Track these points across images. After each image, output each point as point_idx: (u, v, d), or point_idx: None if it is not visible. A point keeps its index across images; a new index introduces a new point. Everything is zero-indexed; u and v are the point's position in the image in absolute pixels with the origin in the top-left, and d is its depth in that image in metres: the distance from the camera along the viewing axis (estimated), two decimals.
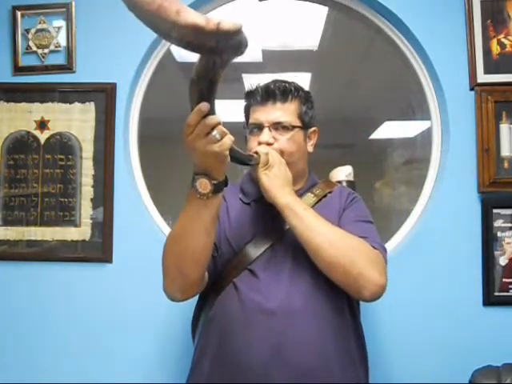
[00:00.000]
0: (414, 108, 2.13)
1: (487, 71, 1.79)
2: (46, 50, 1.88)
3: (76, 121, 1.87)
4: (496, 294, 1.75)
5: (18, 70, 1.88)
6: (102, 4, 1.87)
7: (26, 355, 1.80)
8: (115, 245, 1.83)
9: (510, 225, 1.77)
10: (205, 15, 0.80)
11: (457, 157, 1.80)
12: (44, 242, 1.85)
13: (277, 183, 1.24)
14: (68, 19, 1.87)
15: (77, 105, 1.87)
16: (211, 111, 0.95)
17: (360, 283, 1.18)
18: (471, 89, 1.79)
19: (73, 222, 1.85)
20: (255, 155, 1.25)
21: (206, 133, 0.96)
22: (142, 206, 1.88)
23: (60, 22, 1.87)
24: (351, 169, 1.81)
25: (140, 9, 0.76)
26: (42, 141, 1.87)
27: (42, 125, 1.87)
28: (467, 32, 1.80)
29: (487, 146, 1.76)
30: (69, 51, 1.86)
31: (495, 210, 1.76)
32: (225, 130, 0.99)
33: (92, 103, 1.86)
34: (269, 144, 1.29)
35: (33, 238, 1.85)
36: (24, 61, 1.88)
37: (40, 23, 1.87)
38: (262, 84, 1.36)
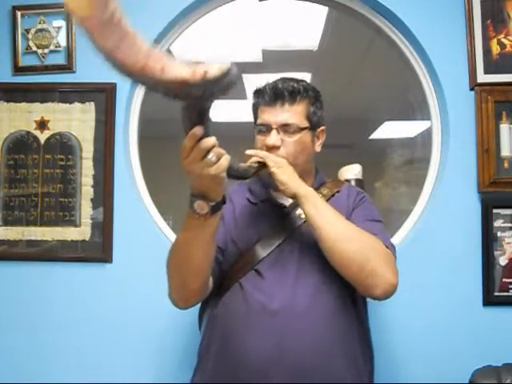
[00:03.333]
0: (414, 108, 2.13)
1: (487, 71, 1.79)
2: (46, 50, 1.88)
3: (76, 121, 1.86)
4: (496, 294, 1.75)
5: (17, 69, 1.88)
6: None
7: (25, 355, 1.80)
8: (115, 245, 1.83)
9: (509, 225, 1.77)
10: (191, 64, 0.79)
11: (457, 157, 1.80)
12: (44, 242, 1.85)
13: (294, 177, 1.25)
14: (68, 19, 1.86)
15: (77, 105, 1.87)
16: (206, 134, 0.95)
17: (373, 280, 1.18)
18: (471, 89, 1.79)
19: (73, 222, 1.85)
20: (254, 165, 1.25)
21: (202, 156, 0.96)
22: (142, 206, 1.88)
23: (60, 22, 1.87)
24: (360, 167, 1.79)
25: (124, 69, 0.76)
26: (42, 141, 1.87)
27: (42, 125, 1.87)
28: (467, 32, 1.80)
29: (487, 146, 1.76)
30: (69, 51, 1.86)
31: (495, 210, 1.76)
32: (221, 151, 0.99)
33: (92, 103, 1.86)
34: (275, 147, 1.29)
35: (33, 238, 1.85)
36: (24, 61, 1.88)
37: (40, 23, 1.87)
38: (270, 83, 1.34)
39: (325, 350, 1.20)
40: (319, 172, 1.45)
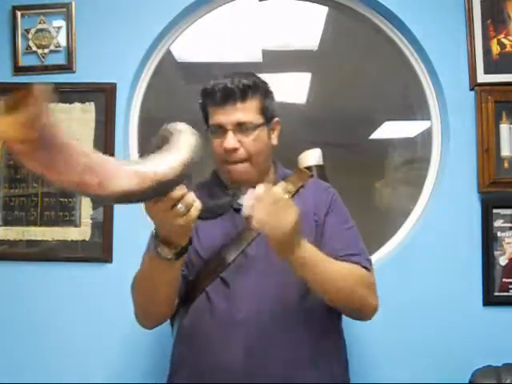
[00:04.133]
0: (414, 108, 2.13)
1: (487, 71, 1.79)
2: (46, 50, 1.88)
3: (76, 121, 1.86)
4: (496, 294, 1.75)
5: (17, 70, 1.88)
6: (102, 4, 1.87)
7: (25, 355, 1.80)
8: (115, 245, 1.83)
9: (509, 225, 1.77)
10: (141, 169, 0.73)
11: (457, 157, 1.80)
12: (44, 242, 1.84)
13: (286, 249, 1.08)
14: (68, 19, 1.86)
15: (77, 105, 1.87)
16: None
17: (361, 313, 1.25)
18: (471, 89, 1.79)
19: (73, 222, 1.85)
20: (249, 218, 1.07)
21: (171, 206, 0.92)
22: (142, 206, 1.87)
23: (60, 22, 1.87)
24: (319, 151, 1.68)
25: (59, 186, 0.70)
26: None
27: None
28: (467, 32, 1.80)
29: (487, 146, 1.76)
30: (69, 51, 1.86)
31: (495, 210, 1.76)
32: (191, 199, 0.94)
33: (92, 103, 1.86)
34: (235, 149, 1.24)
35: (33, 238, 1.85)
36: (24, 61, 1.88)
37: (40, 23, 1.87)
38: (218, 81, 1.26)
39: (293, 353, 1.20)
40: (278, 165, 1.39)
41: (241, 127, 1.25)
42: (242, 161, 1.26)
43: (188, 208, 0.93)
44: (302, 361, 1.20)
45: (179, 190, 0.91)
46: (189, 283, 1.28)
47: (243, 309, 1.20)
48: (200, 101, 1.32)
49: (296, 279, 1.18)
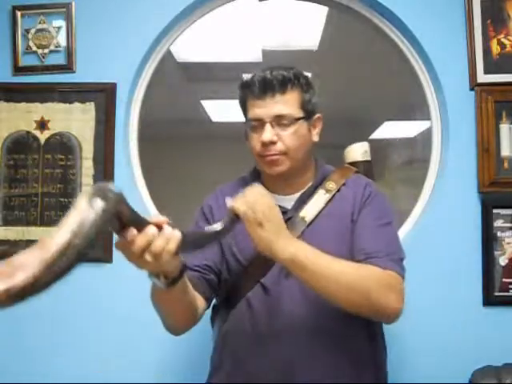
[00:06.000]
0: (414, 108, 2.13)
1: (487, 71, 1.78)
2: (46, 50, 1.88)
3: (76, 121, 1.86)
4: (496, 294, 1.74)
5: (17, 70, 1.88)
6: (101, 4, 1.87)
7: (25, 355, 1.80)
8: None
9: (509, 225, 1.77)
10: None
11: (457, 157, 1.80)
12: None
13: (272, 238, 1.07)
14: (68, 19, 1.86)
15: (77, 105, 1.87)
16: (141, 225, 0.84)
17: (377, 314, 1.17)
18: (471, 89, 1.79)
19: None
20: (233, 216, 1.07)
21: (138, 256, 0.85)
22: (142, 206, 1.88)
23: (60, 22, 1.87)
24: (367, 145, 1.58)
25: None
26: (42, 141, 1.87)
27: (42, 125, 1.87)
28: (467, 32, 1.80)
29: (487, 146, 1.76)
30: (69, 51, 1.86)
31: (495, 210, 1.76)
32: (160, 245, 0.85)
33: (92, 103, 1.86)
34: (272, 142, 1.20)
35: (33, 238, 1.85)
36: (24, 61, 1.88)
37: (40, 23, 1.87)
38: (258, 74, 1.24)
39: (333, 366, 1.18)
40: (320, 162, 1.35)
41: (279, 120, 1.21)
42: (279, 154, 1.22)
43: (156, 256, 0.86)
44: (342, 377, 1.18)
45: (143, 237, 0.84)
46: (229, 287, 1.26)
47: (283, 318, 1.19)
48: (240, 94, 1.29)
49: None
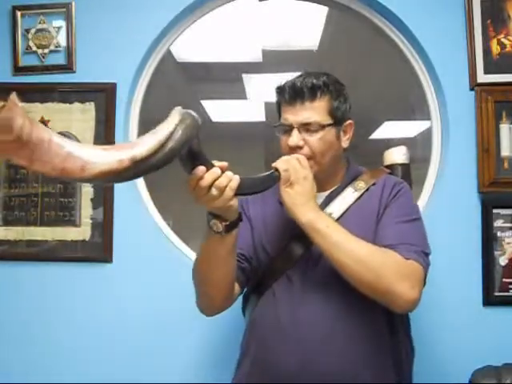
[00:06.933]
0: (414, 108, 2.13)
1: (487, 71, 1.79)
2: (46, 50, 1.88)
3: (76, 121, 1.86)
4: (496, 294, 1.75)
5: (17, 70, 1.88)
6: (101, 4, 1.87)
7: (25, 355, 1.80)
8: (115, 245, 1.83)
9: (509, 225, 1.77)
10: (119, 151, 0.79)
11: (457, 157, 1.80)
12: (44, 242, 1.84)
13: (299, 201, 1.19)
14: (68, 19, 1.86)
15: (77, 105, 1.87)
16: (207, 166, 1.01)
17: (388, 299, 1.16)
18: (471, 89, 1.79)
19: (73, 222, 1.85)
20: (275, 173, 1.20)
21: (205, 193, 1.02)
22: (142, 206, 1.88)
23: (60, 22, 1.87)
24: (405, 149, 1.62)
25: (46, 175, 0.76)
26: None
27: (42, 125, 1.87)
28: (467, 32, 1.80)
29: (487, 146, 1.76)
30: (69, 51, 1.86)
31: (495, 210, 1.76)
32: (224, 182, 1.02)
33: (92, 103, 1.86)
34: (298, 147, 1.26)
35: (33, 238, 1.85)
36: (24, 61, 1.88)
37: (40, 23, 1.87)
38: (289, 80, 1.30)
39: (353, 362, 1.20)
40: (352, 164, 1.39)
41: (307, 127, 1.27)
42: (305, 158, 1.26)
43: (221, 191, 1.02)
44: (364, 375, 1.20)
45: (210, 174, 1.00)
46: (258, 276, 1.33)
47: (306, 310, 1.22)
48: (276, 98, 1.35)
49: None
